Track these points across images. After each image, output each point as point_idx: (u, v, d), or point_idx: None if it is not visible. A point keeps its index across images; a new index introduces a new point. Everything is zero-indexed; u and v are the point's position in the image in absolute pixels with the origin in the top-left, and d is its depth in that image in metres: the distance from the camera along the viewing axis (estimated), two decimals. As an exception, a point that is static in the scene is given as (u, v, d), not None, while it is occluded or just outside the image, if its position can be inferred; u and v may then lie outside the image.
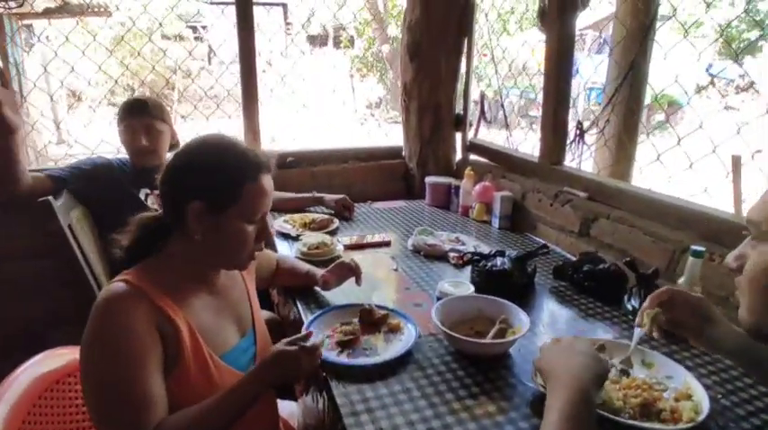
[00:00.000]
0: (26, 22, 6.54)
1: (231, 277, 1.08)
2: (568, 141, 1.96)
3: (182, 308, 0.91)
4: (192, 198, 0.89)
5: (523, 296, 1.37)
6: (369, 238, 1.83)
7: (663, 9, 2.46)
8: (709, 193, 1.56)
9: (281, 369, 0.94)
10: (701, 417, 0.86)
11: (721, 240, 1.25)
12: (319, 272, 1.38)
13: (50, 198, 1.55)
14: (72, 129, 9.95)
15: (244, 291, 1.11)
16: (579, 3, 1.72)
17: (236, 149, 0.94)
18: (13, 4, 4.17)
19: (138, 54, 10.26)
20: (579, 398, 0.70)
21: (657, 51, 2.34)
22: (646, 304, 0.91)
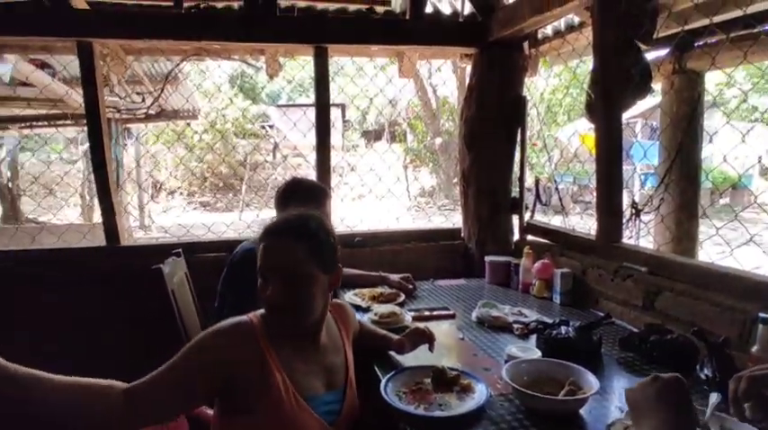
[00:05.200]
0: (127, 125, 7.73)
1: (333, 340, 1.24)
2: (624, 220, 2.04)
3: (279, 357, 1.08)
4: None
5: (590, 364, 1.40)
6: (434, 311, 1.93)
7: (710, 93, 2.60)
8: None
9: None
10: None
11: (791, 310, 1.26)
12: (395, 336, 1.50)
13: (161, 266, 1.80)
14: (150, 214, 10.96)
15: (342, 356, 1.25)
16: (634, 95, 1.89)
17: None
18: (124, 114, 5.00)
19: (212, 149, 11.40)
20: None
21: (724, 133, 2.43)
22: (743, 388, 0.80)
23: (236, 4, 2.55)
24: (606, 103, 1.90)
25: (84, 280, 2.38)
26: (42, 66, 3.94)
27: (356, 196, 11.18)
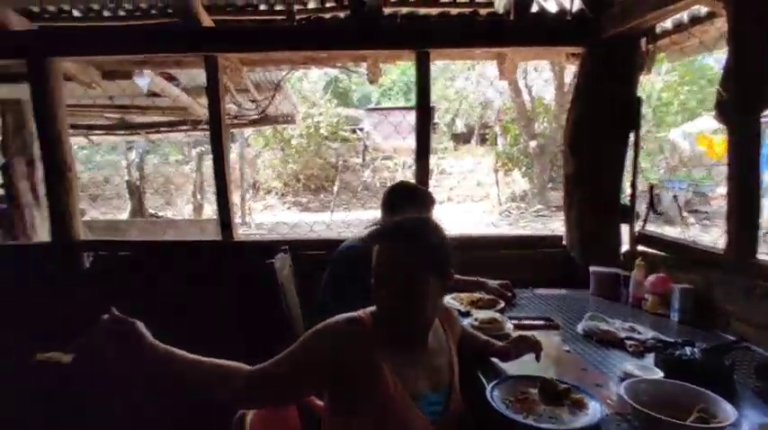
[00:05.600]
0: (233, 129, 8.49)
1: (439, 342, 1.25)
2: (762, 233, 1.82)
3: (389, 356, 1.11)
4: None
5: (720, 392, 1.27)
6: (536, 321, 1.87)
7: None
8: None
9: None
10: None
11: None
12: (498, 343, 1.48)
13: (274, 260, 1.95)
14: (251, 212, 11.85)
15: (447, 358, 1.25)
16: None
17: None
18: (235, 120, 5.46)
19: (316, 154, 12.02)
20: None
21: None
22: None
23: (342, 14, 2.67)
24: (743, 101, 1.71)
25: (202, 270, 2.63)
26: (169, 78, 4.45)
27: (444, 199, 11.14)
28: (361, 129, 17.18)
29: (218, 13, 2.66)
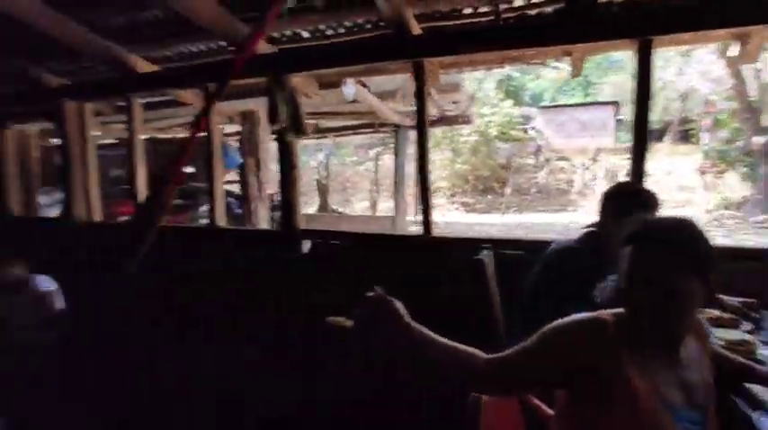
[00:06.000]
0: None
1: (692, 355, 1.14)
2: None
3: (636, 360, 1.04)
4: None
5: None
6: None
7: None
8: None
9: None
10: None
11: None
12: (757, 366, 1.28)
13: (482, 257, 2.00)
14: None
15: (701, 374, 1.13)
16: None
17: None
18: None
19: (486, 155, 11.93)
20: None
21: None
22: None
23: (549, 9, 2.59)
24: None
25: (403, 262, 2.82)
26: (362, 86, 4.93)
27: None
28: (533, 128, 16.44)
29: (425, 21, 2.82)
